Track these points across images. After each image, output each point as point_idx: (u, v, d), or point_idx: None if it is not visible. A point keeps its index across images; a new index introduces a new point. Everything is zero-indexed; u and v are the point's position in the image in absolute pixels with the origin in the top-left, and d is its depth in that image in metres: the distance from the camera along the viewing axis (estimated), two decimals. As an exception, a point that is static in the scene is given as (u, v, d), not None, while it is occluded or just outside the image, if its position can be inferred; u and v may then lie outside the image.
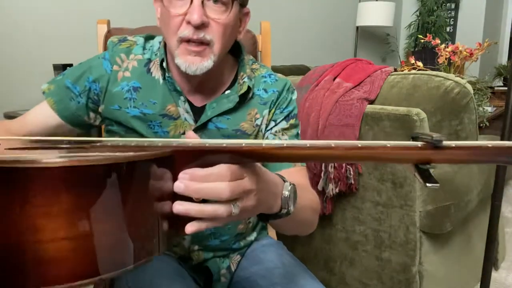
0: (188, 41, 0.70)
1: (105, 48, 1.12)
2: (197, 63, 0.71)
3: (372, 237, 1.30)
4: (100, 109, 0.81)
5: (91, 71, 0.79)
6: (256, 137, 0.82)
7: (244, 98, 0.81)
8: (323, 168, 1.30)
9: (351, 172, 1.27)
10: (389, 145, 0.42)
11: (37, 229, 0.34)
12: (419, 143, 0.42)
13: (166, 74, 0.77)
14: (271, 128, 0.83)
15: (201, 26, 0.69)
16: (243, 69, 0.82)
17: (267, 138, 0.83)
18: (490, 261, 1.33)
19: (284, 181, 0.58)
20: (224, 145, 0.44)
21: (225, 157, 0.45)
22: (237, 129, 0.80)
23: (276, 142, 0.45)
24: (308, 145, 0.43)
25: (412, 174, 0.44)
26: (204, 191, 0.44)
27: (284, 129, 0.83)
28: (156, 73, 0.80)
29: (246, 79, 0.80)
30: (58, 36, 1.91)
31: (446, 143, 0.41)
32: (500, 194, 1.28)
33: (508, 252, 1.91)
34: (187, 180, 0.44)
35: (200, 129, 0.79)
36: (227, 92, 0.80)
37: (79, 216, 0.35)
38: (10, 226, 0.34)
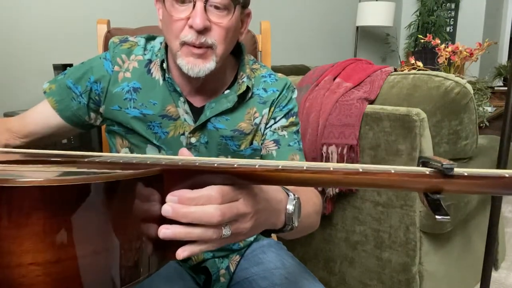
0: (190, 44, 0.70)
1: (105, 48, 1.12)
2: (199, 65, 0.71)
3: (372, 237, 1.30)
4: (101, 110, 0.81)
5: (92, 72, 0.79)
6: (254, 135, 0.82)
7: (243, 98, 0.81)
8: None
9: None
10: (393, 171, 0.38)
11: (3, 252, 0.32)
12: (427, 170, 0.38)
13: (166, 75, 0.77)
14: (270, 126, 0.83)
15: (204, 31, 0.69)
16: (243, 69, 0.82)
17: (265, 135, 0.83)
18: (490, 261, 1.33)
19: (288, 194, 0.55)
20: (215, 164, 0.41)
21: (218, 178, 0.42)
22: (235, 129, 0.80)
23: (271, 163, 0.42)
24: (305, 168, 0.40)
25: (422, 203, 0.40)
26: (193, 215, 0.41)
27: (284, 127, 0.83)
28: (157, 74, 0.79)
29: (245, 79, 0.80)
30: (58, 36, 1.91)
31: (457, 170, 0.37)
32: (500, 194, 1.28)
33: (508, 252, 1.91)
34: (175, 203, 0.41)
35: (199, 130, 0.79)
36: (226, 92, 0.80)
37: (51, 240, 0.33)
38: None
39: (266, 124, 0.83)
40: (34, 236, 0.32)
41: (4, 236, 0.32)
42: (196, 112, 0.80)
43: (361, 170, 0.39)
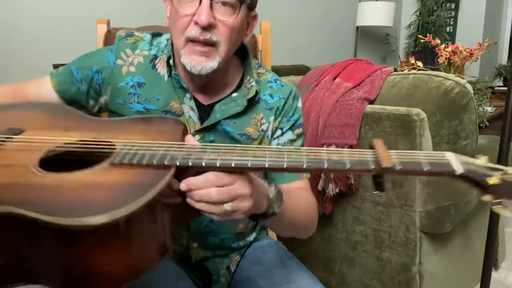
0: (195, 41, 0.71)
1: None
2: (202, 63, 0.72)
3: (372, 237, 1.30)
4: (101, 100, 0.83)
5: (95, 61, 0.82)
6: (261, 142, 0.83)
7: (251, 103, 0.81)
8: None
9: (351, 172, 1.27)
10: (348, 167, 0.53)
11: (96, 259, 0.49)
12: (372, 166, 0.51)
13: (173, 72, 0.78)
14: (277, 137, 0.84)
15: (208, 27, 0.70)
16: (249, 73, 0.82)
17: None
18: (490, 261, 1.33)
19: (269, 185, 0.65)
20: (217, 165, 0.54)
21: (217, 169, 0.55)
22: (242, 133, 0.81)
23: (260, 162, 0.54)
24: (285, 166, 0.53)
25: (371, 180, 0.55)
26: (198, 196, 0.54)
27: (291, 140, 0.85)
28: (162, 70, 0.80)
29: (253, 83, 0.80)
30: (58, 36, 1.91)
31: (394, 163, 0.51)
32: (500, 194, 1.28)
33: (508, 252, 1.91)
34: (187, 190, 0.54)
35: (207, 130, 0.79)
36: (234, 95, 0.80)
37: (123, 248, 0.49)
38: (79, 259, 0.49)
39: (273, 133, 0.84)
40: (113, 247, 0.49)
41: (94, 252, 0.48)
42: (201, 109, 0.80)
43: (326, 166, 0.53)
